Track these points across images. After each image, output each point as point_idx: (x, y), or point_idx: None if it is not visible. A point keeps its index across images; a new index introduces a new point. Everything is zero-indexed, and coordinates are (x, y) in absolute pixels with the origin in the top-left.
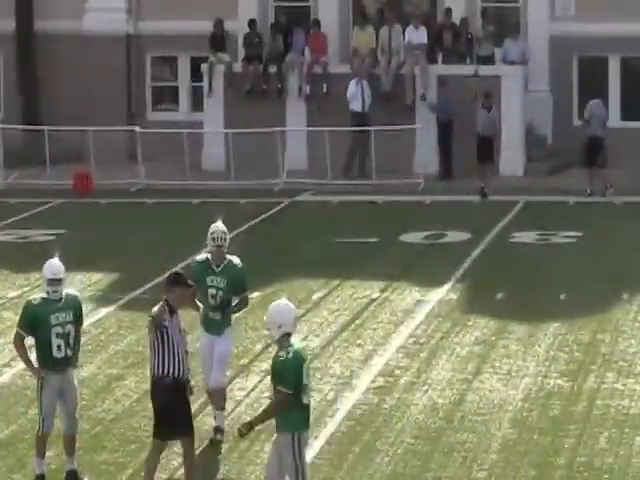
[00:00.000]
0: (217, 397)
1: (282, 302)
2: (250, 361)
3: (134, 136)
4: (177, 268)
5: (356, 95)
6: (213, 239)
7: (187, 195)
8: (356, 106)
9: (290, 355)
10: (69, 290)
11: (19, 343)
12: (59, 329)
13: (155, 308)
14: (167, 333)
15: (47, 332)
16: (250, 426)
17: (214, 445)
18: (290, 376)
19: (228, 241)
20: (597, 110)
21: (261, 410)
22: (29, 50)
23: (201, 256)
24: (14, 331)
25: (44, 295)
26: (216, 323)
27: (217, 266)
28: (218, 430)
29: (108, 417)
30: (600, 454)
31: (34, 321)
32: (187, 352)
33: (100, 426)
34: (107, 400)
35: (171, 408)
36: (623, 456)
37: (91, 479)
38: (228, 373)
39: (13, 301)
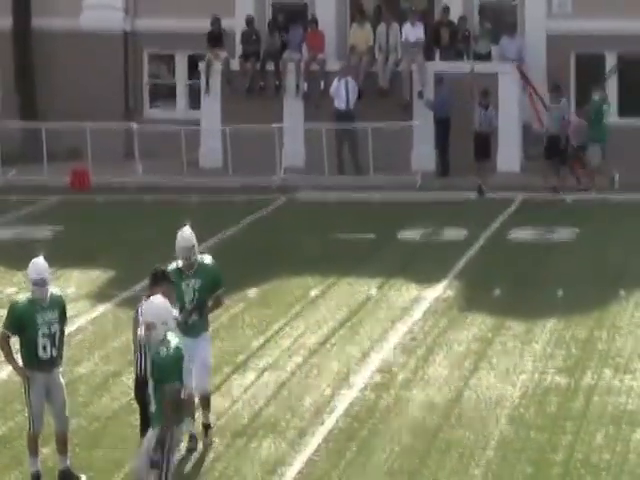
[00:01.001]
0: (202, 403)
1: (161, 299)
2: (247, 358)
3: (131, 133)
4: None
5: (339, 93)
6: (182, 258)
7: (184, 192)
8: (339, 104)
9: (171, 351)
10: (53, 289)
11: (4, 343)
12: (45, 329)
13: (143, 307)
14: None
15: (33, 332)
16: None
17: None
18: (175, 369)
19: (197, 250)
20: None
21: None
22: (26, 48)
23: (172, 265)
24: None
25: (29, 295)
26: (194, 324)
27: (189, 270)
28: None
29: (105, 414)
30: (597, 451)
31: (20, 321)
32: None
33: (97, 423)
34: (104, 397)
35: None
36: (620, 452)
37: (88, 476)
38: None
39: (10, 298)
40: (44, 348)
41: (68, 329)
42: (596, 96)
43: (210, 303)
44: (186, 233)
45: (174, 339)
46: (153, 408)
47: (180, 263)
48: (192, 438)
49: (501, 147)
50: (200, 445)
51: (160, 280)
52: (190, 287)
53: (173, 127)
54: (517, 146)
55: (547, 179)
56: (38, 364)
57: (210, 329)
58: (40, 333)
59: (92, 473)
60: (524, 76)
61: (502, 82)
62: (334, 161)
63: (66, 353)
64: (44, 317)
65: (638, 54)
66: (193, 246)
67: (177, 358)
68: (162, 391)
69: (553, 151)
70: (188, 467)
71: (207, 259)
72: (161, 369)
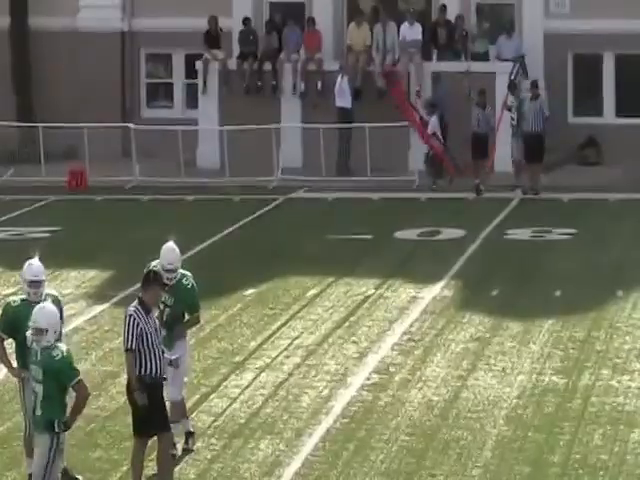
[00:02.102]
0: (174, 410)
1: (52, 306)
2: (244, 358)
3: (128, 133)
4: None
5: (343, 91)
6: (166, 278)
7: (182, 192)
8: (344, 102)
9: (65, 352)
10: (49, 290)
11: None
12: None
13: (130, 307)
14: (144, 332)
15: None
16: (67, 426)
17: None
18: (74, 369)
19: (179, 270)
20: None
21: (70, 411)
22: (23, 47)
23: (153, 264)
24: None
25: (24, 297)
26: (166, 339)
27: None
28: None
29: (102, 414)
30: (595, 451)
31: (14, 323)
32: (163, 350)
33: (94, 423)
34: (101, 397)
35: (150, 406)
36: (618, 453)
37: (85, 477)
38: (185, 382)
39: (8, 299)
40: None
41: (65, 329)
42: (526, 93)
43: (186, 320)
44: (170, 253)
45: (62, 344)
46: (39, 413)
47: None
48: (189, 438)
49: (498, 147)
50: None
51: (152, 282)
52: (162, 300)
53: (170, 127)
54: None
55: (534, 180)
56: None
57: (187, 337)
58: None
59: (89, 474)
60: (393, 82)
61: (499, 82)
62: (332, 161)
63: None
64: None
65: (635, 54)
66: (177, 268)
67: (71, 359)
68: (58, 392)
69: (532, 150)
70: (185, 467)
71: (187, 279)
72: (62, 371)
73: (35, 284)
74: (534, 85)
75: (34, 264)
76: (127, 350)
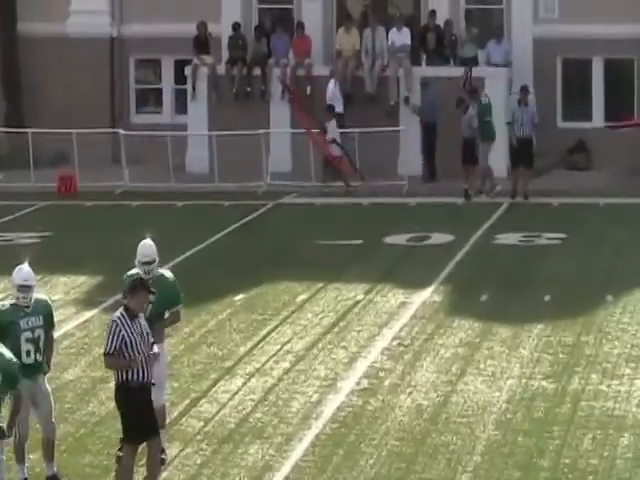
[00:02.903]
0: (158, 416)
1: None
2: (234, 363)
3: (118, 139)
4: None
5: (337, 96)
6: (142, 271)
7: (171, 198)
8: (337, 108)
9: (12, 355)
10: (39, 295)
11: None
12: (28, 334)
13: (115, 314)
14: (127, 338)
15: (16, 337)
16: (8, 434)
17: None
18: (18, 372)
19: (157, 264)
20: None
21: (9, 418)
22: (13, 53)
23: (132, 272)
24: None
25: (13, 301)
26: None
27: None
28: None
29: (92, 420)
30: (584, 455)
31: (3, 327)
32: (151, 355)
33: (85, 429)
34: (92, 403)
35: (139, 412)
36: (607, 457)
37: None
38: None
39: None
40: (28, 353)
41: (55, 335)
42: (484, 98)
43: (166, 317)
44: (147, 247)
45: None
46: None
47: (140, 272)
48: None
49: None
50: None
51: (138, 288)
52: None
53: (160, 133)
54: (504, 151)
55: (523, 185)
56: (22, 369)
57: (166, 341)
58: (23, 338)
59: (79, 479)
60: (292, 94)
61: (489, 87)
62: (321, 166)
63: (53, 359)
64: (28, 322)
65: (624, 58)
66: (154, 261)
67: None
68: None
69: (522, 155)
70: (174, 473)
71: (168, 274)
72: (15, 374)
73: (25, 289)
74: (524, 90)
75: (24, 269)
76: (106, 354)
